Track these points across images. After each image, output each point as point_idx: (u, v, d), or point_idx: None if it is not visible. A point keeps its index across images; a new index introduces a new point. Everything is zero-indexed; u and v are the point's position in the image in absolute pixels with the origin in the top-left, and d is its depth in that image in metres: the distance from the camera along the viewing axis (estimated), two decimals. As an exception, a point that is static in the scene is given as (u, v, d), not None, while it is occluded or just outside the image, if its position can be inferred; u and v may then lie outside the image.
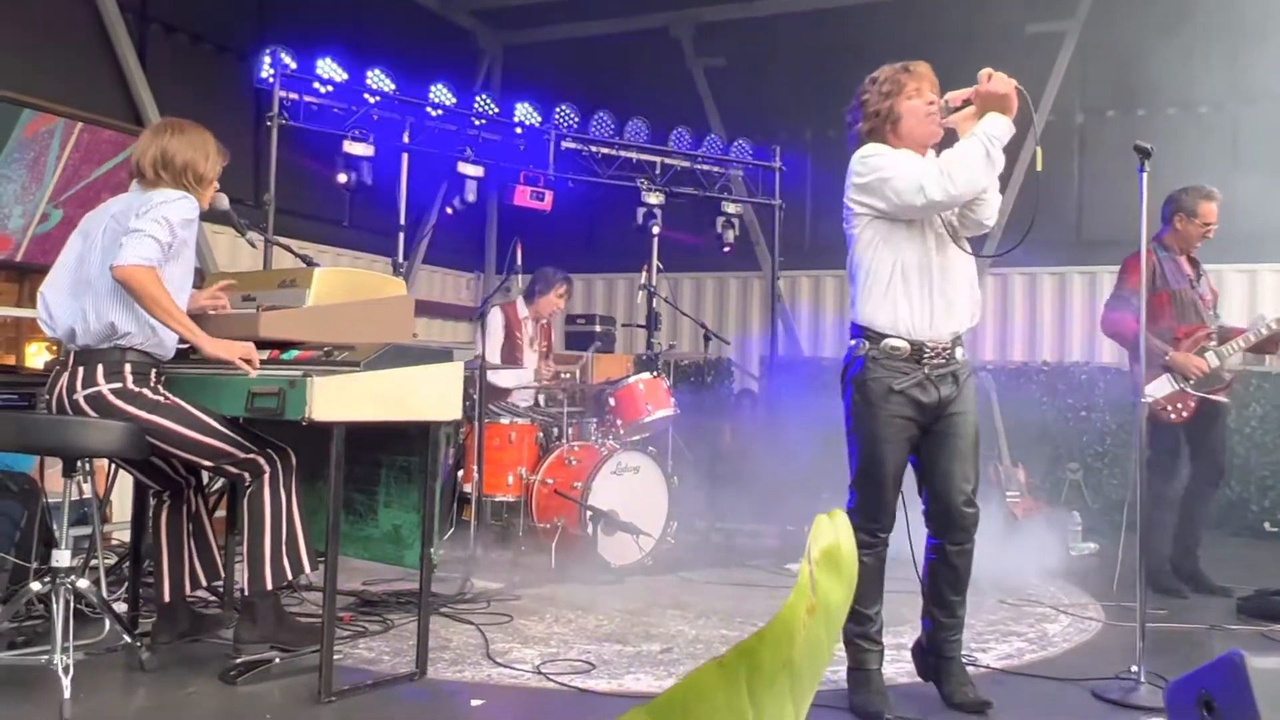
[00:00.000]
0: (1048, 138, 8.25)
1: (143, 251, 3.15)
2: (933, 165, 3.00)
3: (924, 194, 2.95)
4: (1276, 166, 7.01)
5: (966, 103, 3.07)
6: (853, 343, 3.15)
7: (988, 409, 6.88)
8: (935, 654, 3.24)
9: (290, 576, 3.37)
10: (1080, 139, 8.44)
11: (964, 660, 3.67)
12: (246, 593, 3.33)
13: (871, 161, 3.07)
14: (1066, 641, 4.08)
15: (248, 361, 3.22)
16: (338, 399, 3.07)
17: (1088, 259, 8.05)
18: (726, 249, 7.56)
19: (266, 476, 3.32)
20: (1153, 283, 4.73)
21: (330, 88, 6.02)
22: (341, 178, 5.90)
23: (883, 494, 3.09)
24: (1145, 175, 3.45)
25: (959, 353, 3.12)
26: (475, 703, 3.21)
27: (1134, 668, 3.34)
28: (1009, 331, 8.58)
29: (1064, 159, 8.33)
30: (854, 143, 3.20)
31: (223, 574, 3.80)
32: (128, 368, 3.24)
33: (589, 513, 5.09)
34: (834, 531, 0.78)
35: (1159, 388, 4.81)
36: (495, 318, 6.04)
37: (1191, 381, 4.80)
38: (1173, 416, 4.82)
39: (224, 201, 3.79)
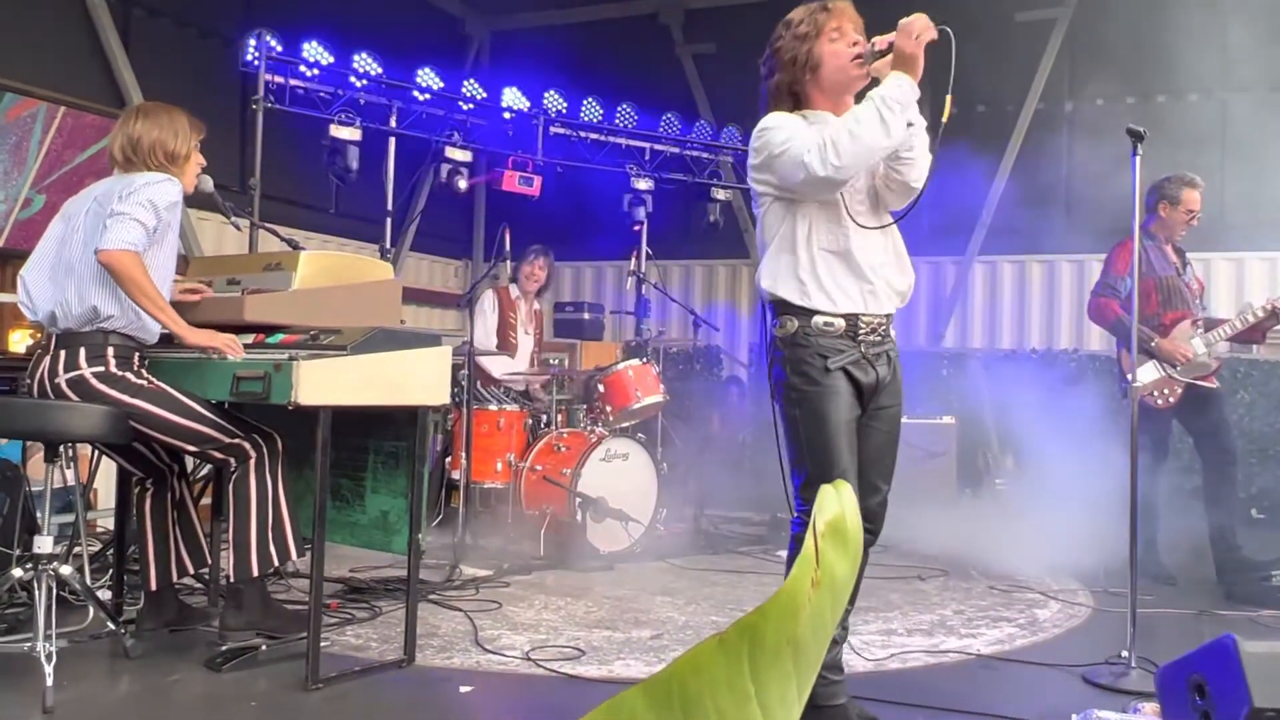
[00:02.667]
0: (1037, 125, 8.30)
1: (127, 235, 3.11)
2: (817, 136, 2.62)
3: (806, 169, 2.60)
4: (1265, 154, 7.02)
5: (892, 47, 2.66)
6: (775, 320, 2.79)
7: (977, 396, 6.87)
8: None
9: (276, 563, 3.34)
10: (1069, 126, 8.43)
11: (953, 650, 3.67)
12: (232, 579, 3.29)
13: (764, 136, 2.73)
14: (1056, 627, 4.08)
15: (229, 348, 3.20)
16: (324, 383, 3.03)
17: (1076, 247, 8.04)
18: (707, 226, 7.53)
19: (252, 462, 3.28)
20: (1139, 270, 4.72)
21: (316, 71, 5.95)
22: (342, 163, 5.82)
23: (845, 479, 2.74)
24: (1138, 159, 3.44)
25: (892, 332, 2.84)
26: (464, 689, 3.19)
27: (1124, 652, 3.34)
28: (998, 319, 8.58)
29: (1053, 146, 8.32)
30: (766, 101, 2.83)
31: (209, 560, 3.77)
32: (110, 351, 3.20)
33: (578, 499, 5.07)
34: (839, 503, 0.76)
35: (1145, 374, 4.81)
36: (488, 299, 6.02)
37: (1178, 368, 4.80)
38: (1159, 403, 4.83)
39: (208, 184, 3.74)
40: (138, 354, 3.27)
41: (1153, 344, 4.79)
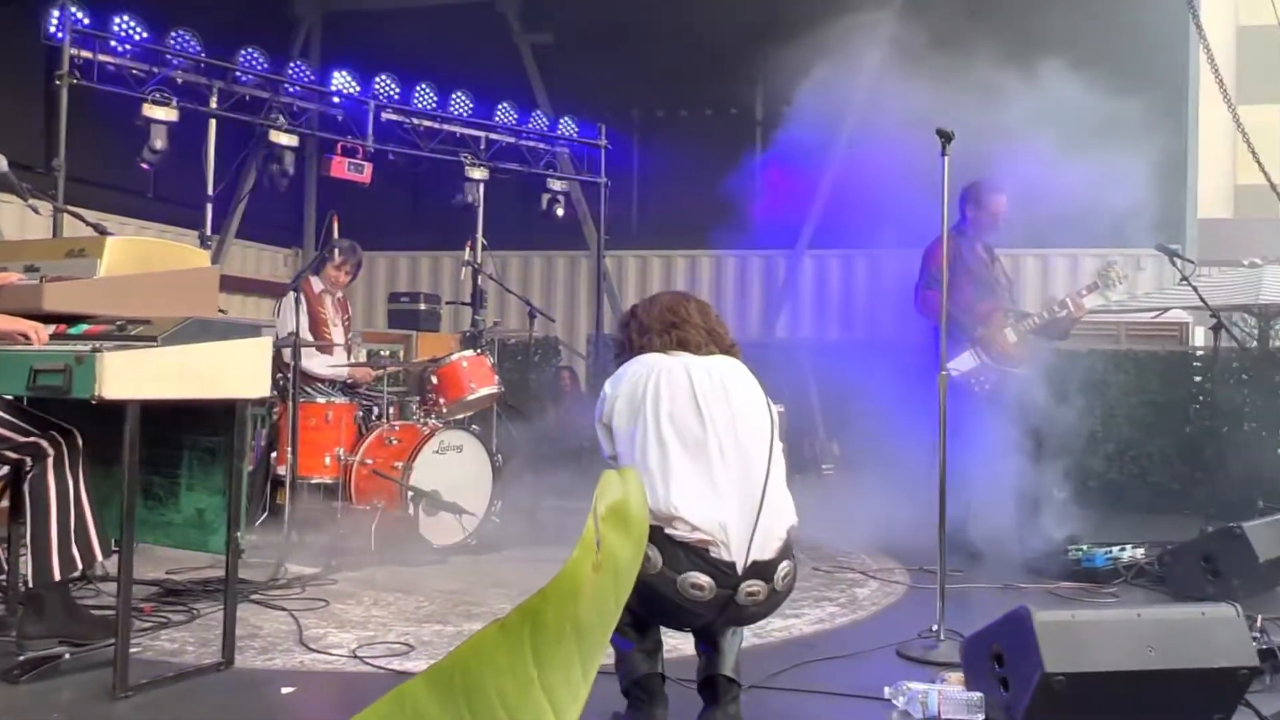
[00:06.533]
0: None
1: None
2: None
3: None
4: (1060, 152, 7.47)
5: None
6: None
7: (805, 385, 7.11)
8: None
9: (80, 566, 3.15)
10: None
11: (777, 630, 3.78)
12: (32, 584, 3.10)
13: None
14: (874, 604, 4.27)
15: (34, 331, 3.00)
16: (132, 376, 2.88)
17: (897, 241, 8.39)
18: (544, 217, 7.52)
19: (50, 460, 3.08)
20: (953, 265, 4.99)
21: (129, 47, 5.64)
22: (155, 145, 5.49)
23: None
24: (946, 160, 3.63)
25: None
26: (286, 690, 3.10)
27: (934, 626, 3.52)
28: (826, 309, 8.88)
29: (865, 153, 8.65)
30: None
31: (6, 567, 3.53)
32: None
33: (410, 493, 4.99)
34: (623, 488, 0.77)
35: (963, 362, 5.08)
36: (291, 299, 5.76)
37: (994, 356, 5.10)
38: (976, 389, 5.11)
39: (2, 163, 3.50)
40: None
41: (977, 333, 5.07)
